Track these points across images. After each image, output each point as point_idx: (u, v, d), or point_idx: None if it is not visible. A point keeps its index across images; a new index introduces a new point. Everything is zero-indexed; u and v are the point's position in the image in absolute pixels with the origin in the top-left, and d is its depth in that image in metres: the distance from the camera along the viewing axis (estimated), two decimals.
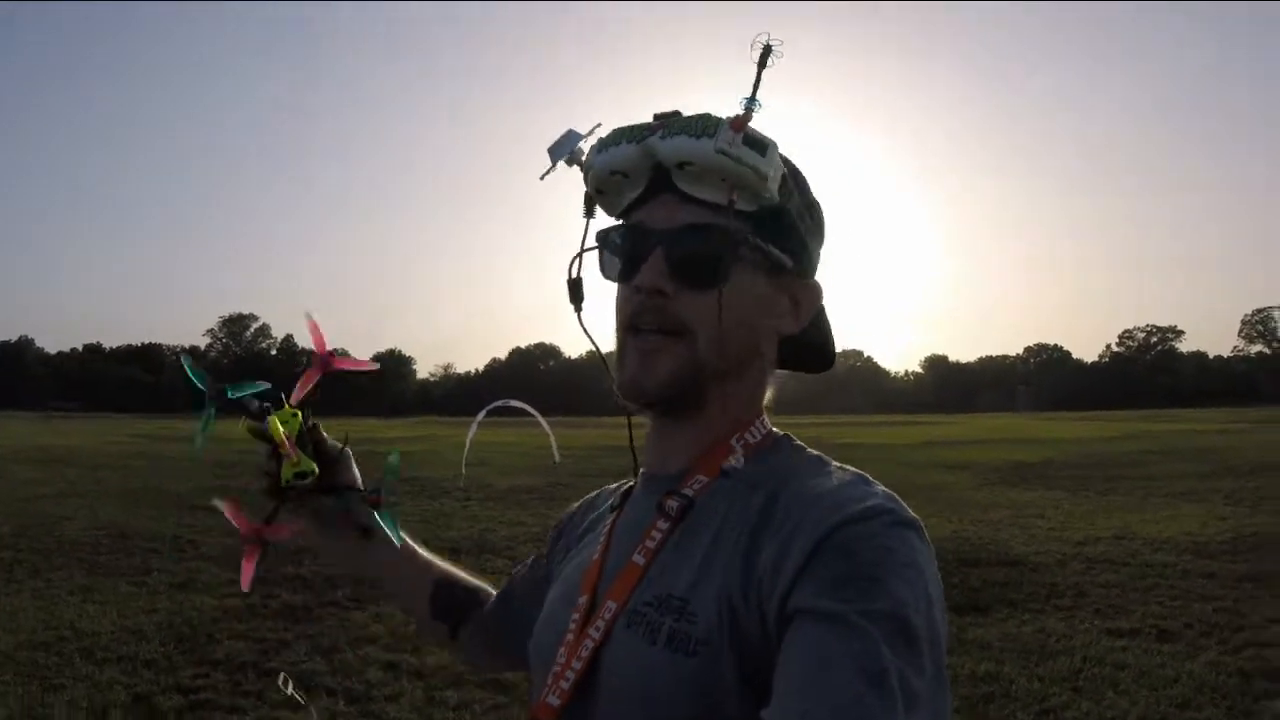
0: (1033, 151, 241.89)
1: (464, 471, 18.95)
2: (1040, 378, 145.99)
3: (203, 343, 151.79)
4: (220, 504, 1.24)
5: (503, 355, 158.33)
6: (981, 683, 5.84)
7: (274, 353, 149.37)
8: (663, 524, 1.00)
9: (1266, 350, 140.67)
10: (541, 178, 1.11)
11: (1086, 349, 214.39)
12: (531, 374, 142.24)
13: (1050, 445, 31.14)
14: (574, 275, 1.10)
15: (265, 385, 1.26)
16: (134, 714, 5.27)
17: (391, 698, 5.58)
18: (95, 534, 11.12)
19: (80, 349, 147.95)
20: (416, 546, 1.40)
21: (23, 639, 6.52)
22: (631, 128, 1.02)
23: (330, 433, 1.33)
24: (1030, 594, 8.21)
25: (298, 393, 1.28)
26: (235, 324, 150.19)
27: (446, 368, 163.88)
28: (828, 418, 66.97)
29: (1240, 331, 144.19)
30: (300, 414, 1.26)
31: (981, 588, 8.36)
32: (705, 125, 0.96)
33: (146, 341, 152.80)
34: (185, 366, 1.29)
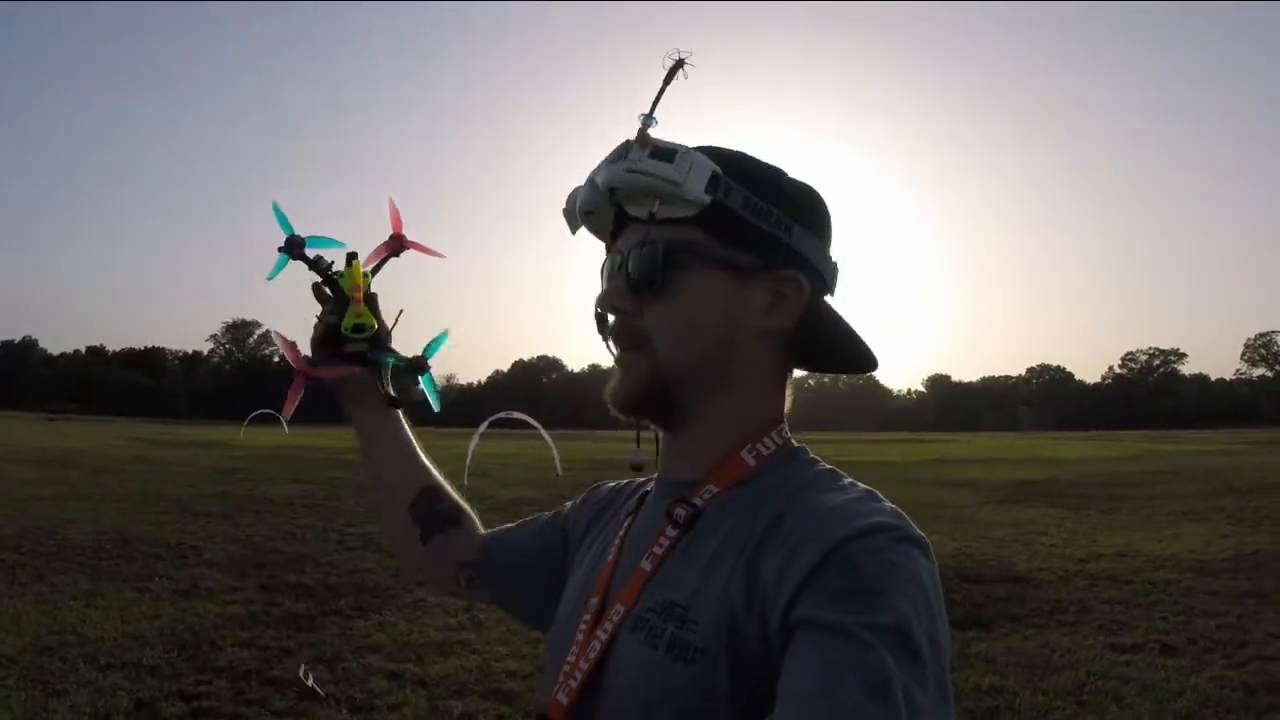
0: (1038, 173, 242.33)
1: (466, 482, 18.95)
2: (1042, 398, 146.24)
3: (205, 348, 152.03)
4: (275, 334, 1.30)
5: (505, 367, 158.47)
6: (986, 696, 5.83)
7: (276, 360, 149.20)
8: (671, 531, 1.02)
9: (1269, 374, 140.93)
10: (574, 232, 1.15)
11: (1089, 370, 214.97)
12: (534, 386, 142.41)
13: (1053, 464, 31.15)
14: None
15: (341, 243, 1.32)
16: None
17: (395, 707, 5.56)
18: (97, 538, 11.10)
19: (83, 351, 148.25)
20: (419, 448, 1.45)
21: (26, 643, 6.50)
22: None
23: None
24: (1034, 609, 8.20)
25: (370, 259, 1.34)
26: (239, 330, 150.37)
27: (449, 379, 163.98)
28: (832, 435, 67.01)
29: (1243, 355, 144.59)
30: (368, 276, 1.32)
31: (985, 603, 8.36)
32: (622, 149, 1.00)
33: (149, 345, 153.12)
34: (275, 209, 1.34)
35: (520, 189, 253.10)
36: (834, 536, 0.85)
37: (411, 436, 1.44)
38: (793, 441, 1.08)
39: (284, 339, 1.30)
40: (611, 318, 1.08)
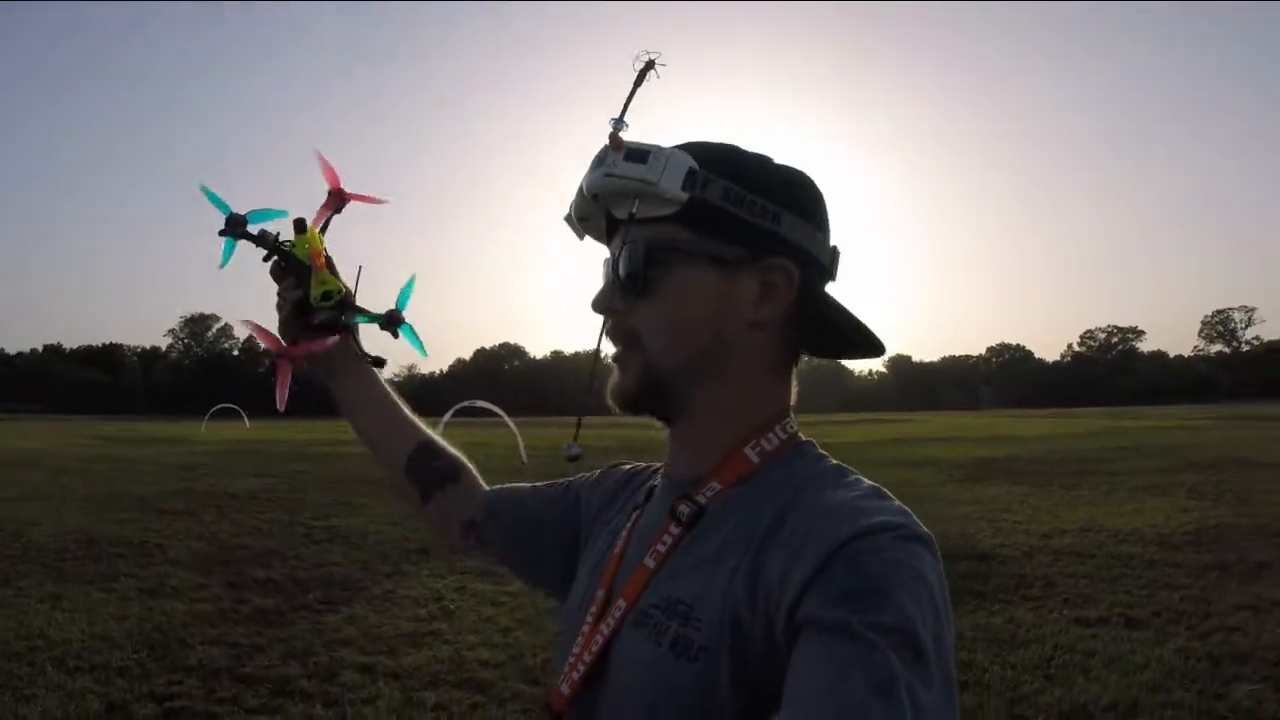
0: (996, 152, 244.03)
1: None
2: (1003, 377, 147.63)
3: (164, 343, 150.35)
4: (245, 325, 1.26)
5: (467, 356, 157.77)
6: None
7: (236, 353, 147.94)
8: (674, 529, 1.02)
9: (1226, 349, 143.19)
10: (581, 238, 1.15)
11: (1048, 349, 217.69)
12: (496, 374, 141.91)
13: (1014, 442, 31.43)
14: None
15: (283, 212, 1.28)
16: None
17: (368, 700, 5.54)
18: (62, 539, 10.94)
19: (40, 349, 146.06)
20: (404, 405, 1.45)
21: None
22: None
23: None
24: (999, 585, 8.29)
25: (316, 222, 1.31)
26: (197, 324, 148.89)
27: (410, 368, 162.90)
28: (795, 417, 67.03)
29: (1200, 332, 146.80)
30: (320, 238, 1.28)
31: (950, 580, 8.36)
32: (602, 155, 1.01)
33: (107, 342, 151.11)
34: (204, 190, 1.30)
35: (483, 177, 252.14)
36: (839, 535, 0.85)
37: (395, 394, 1.45)
38: (799, 435, 1.08)
39: (255, 325, 1.26)
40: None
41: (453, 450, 1.45)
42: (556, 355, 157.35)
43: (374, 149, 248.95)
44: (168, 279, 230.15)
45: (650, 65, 0.99)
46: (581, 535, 1.28)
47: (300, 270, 1.28)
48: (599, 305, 1.07)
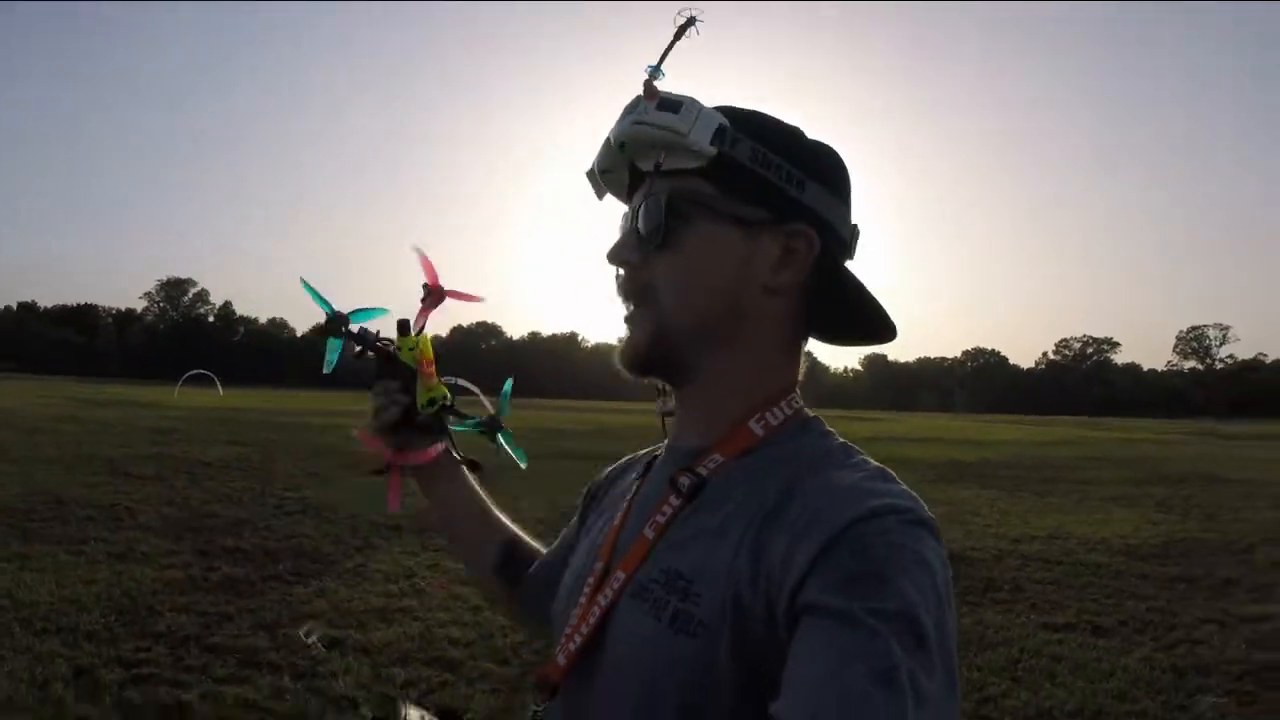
0: (977, 157, 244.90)
1: None
2: (977, 381, 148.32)
3: (139, 306, 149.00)
4: (355, 434, 1.29)
5: (444, 332, 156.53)
6: None
7: (211, 319, 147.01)
8: (674, 500, 1.01)
9: (1199, 366, 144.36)
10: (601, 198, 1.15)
11: (1023, 355, 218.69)
12: (473, 353, 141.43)
13: (987, 446, 31.62)
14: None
15: (383, 310, 1.29)
16: (76, 687, 5.14)
17: (337, 674, 5.52)
18: (30, 500, 10.86)
19: (14, 307, 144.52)
20: (490, 502, 1.45)
21: None
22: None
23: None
24: (968, 587, 8.33)
25: (418, 323, 1.30)
26: (174, 288, 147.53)
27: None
28: None
29: (1175, 347, 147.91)
30: (428, 341, 1.29)
31: None
32: (633, 104, 1.00)
33: (82, 302, 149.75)
34: (305, 286, 1.30)
35: (466, 150, 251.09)
36: (844, 518, 0.84)
37: (479, 489, 1.44)
38: (806, 412, 1.07)
39: (365, 435, 1.28)
40: (621, 273, 1.08)
41: (529, 539, 1.46)
42: (534, 336, 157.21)
43: (358, 119, 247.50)
44: (146, 241, 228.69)
45: (691, 21, 0.99)
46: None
47: (404, 373, 1.28)
48: (614, 256, 1.06)
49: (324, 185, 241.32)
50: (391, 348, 1.28)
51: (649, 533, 1.01)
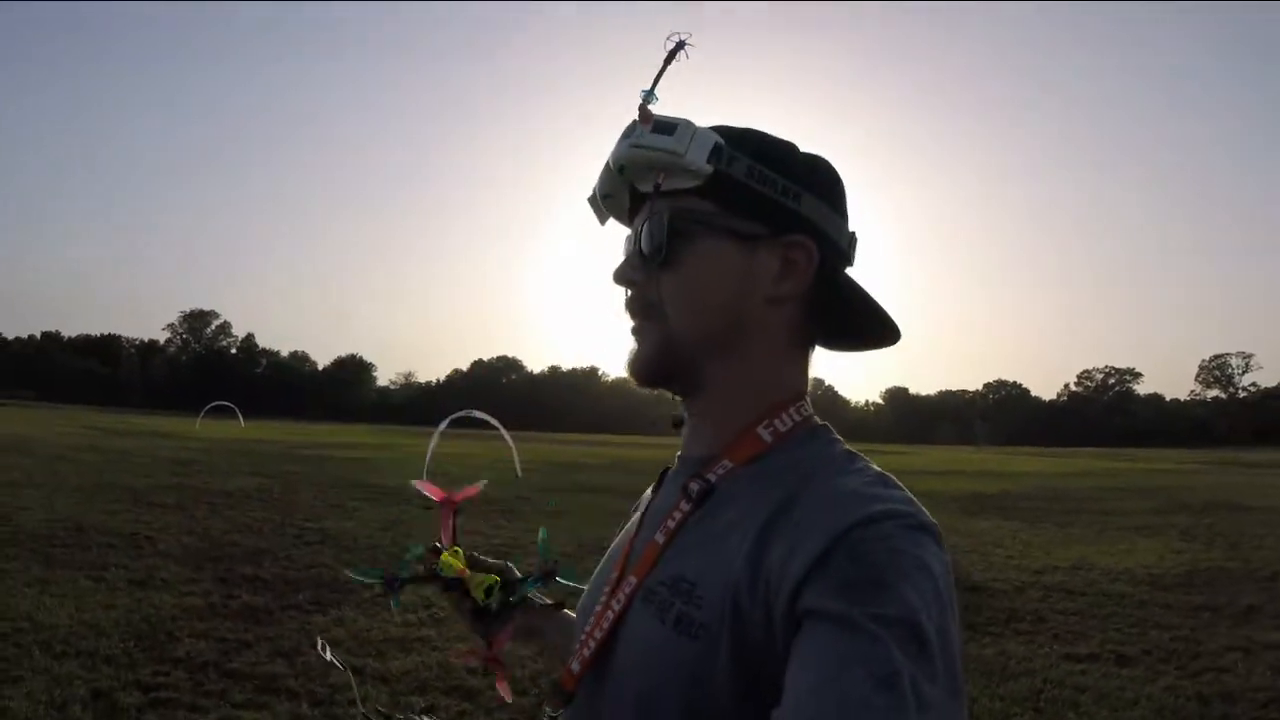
0: (1000, 189, 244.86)
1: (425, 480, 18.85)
2: (998, 413, 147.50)
3: (162, 337, 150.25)
4: (461, 651, 1.44)
5: (464, 366, 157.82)
6: None
7: (234, 351, 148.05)
8: (684, 506, 1.02)
9: (1222, 395, 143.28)
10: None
11: (1045, 387, 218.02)
12: (493, 386, 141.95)
13: (1008, 478, 31.46)
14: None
15: (417, 549, 1.43)
16: (94, 709, 5.17)
17: (355, 702, 5.52)
18: (52, 526, 10.95)
19: (38, 336, 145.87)
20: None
21: None
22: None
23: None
24: (990, 618, 8.28)
25: (446, 537, 1.43)
26: (196, 320, 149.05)
27: (407, 376, 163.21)
28: None
29: (1198, 376, 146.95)
30: (458, 549, 1.42)
31: None
32: (629, 129, 1.02)
33: (106, 332, 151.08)
34: (355, 578, 1.46)
35: (487, 186, 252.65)
36: (841, 523, 0.84)
37: (562, 612, 1.47)
38: (815, 419, 1.08)
39: (465, 652, 1.40)
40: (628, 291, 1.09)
41: None
42: (554, 371, 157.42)
43: (379, 155, 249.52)
44: (169, 272, 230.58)
45: (681, 45, 1.00)
46: None
47: (455, 584, 1.40)
48: (620, 277, 1.08)
49: (347, 219, 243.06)
50: (435, 569, 1.41)
51: (659, 538, 1.02)
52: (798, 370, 1.09)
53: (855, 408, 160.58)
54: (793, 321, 1.06)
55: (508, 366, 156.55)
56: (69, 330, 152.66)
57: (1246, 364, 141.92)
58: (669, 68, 1.01)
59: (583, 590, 1.31)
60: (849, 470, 0.97)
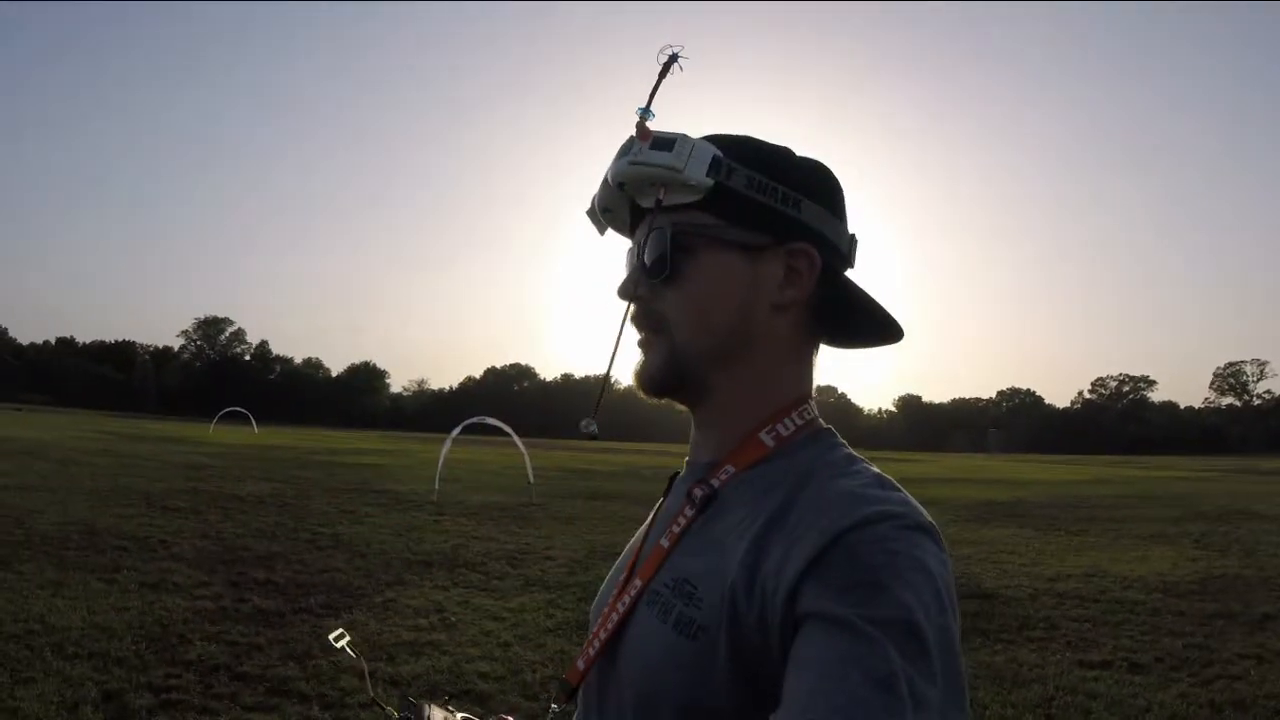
0: (1013, 197, 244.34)
1: (437, 486, 18.91)
2: (1012, 421, 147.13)
3: (177, 343, 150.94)
4: None
5: (477, 374, 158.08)
6: None
7: (248, 358, 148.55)
8: (689, 510, 1.03)
9: (1237, 403, 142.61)
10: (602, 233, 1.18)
11: (1059, 395, 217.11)
12: (506, 393, 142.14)
13: (1021, 486, 31.37)
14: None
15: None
16: (105, 711, 5.19)
17: (366, 705, 5.53)
18: (65, 529, 11.01)
19: (53, 342, 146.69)
20: None
21: None
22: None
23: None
24: (1002, 625, 8.25)
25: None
26: (210, 327, 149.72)
27: (420, 383, 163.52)
28: None
29: (1212, 384, 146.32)
30: None
31: None
32: (627, 145, 1.03)
33: (120, 339, 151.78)
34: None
35: (502, 194, 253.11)
36: (838, 525, 0.84)
37: None
38: (819, 422, 1.08)
39: None
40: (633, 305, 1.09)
41: None
42: (567, 378, 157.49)
43: (394, 162, 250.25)
44: (184, 279, 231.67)
45: (674, 59, 1.01)
46: None
47: None
48: (624, 292, 1.08)
49: (361, 226, 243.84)
50: None
51: (664, 542, 1.03)
52: (801, 373, 1.10)
53: (868, 416, 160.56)
54: (796, 326, 1.07)
55: (520, 374, 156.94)
56: (84, 336, 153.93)
57: (1261, 371, 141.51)
58: (664, 79, 1.01)
59: None
60: (847, 473, 0.97)
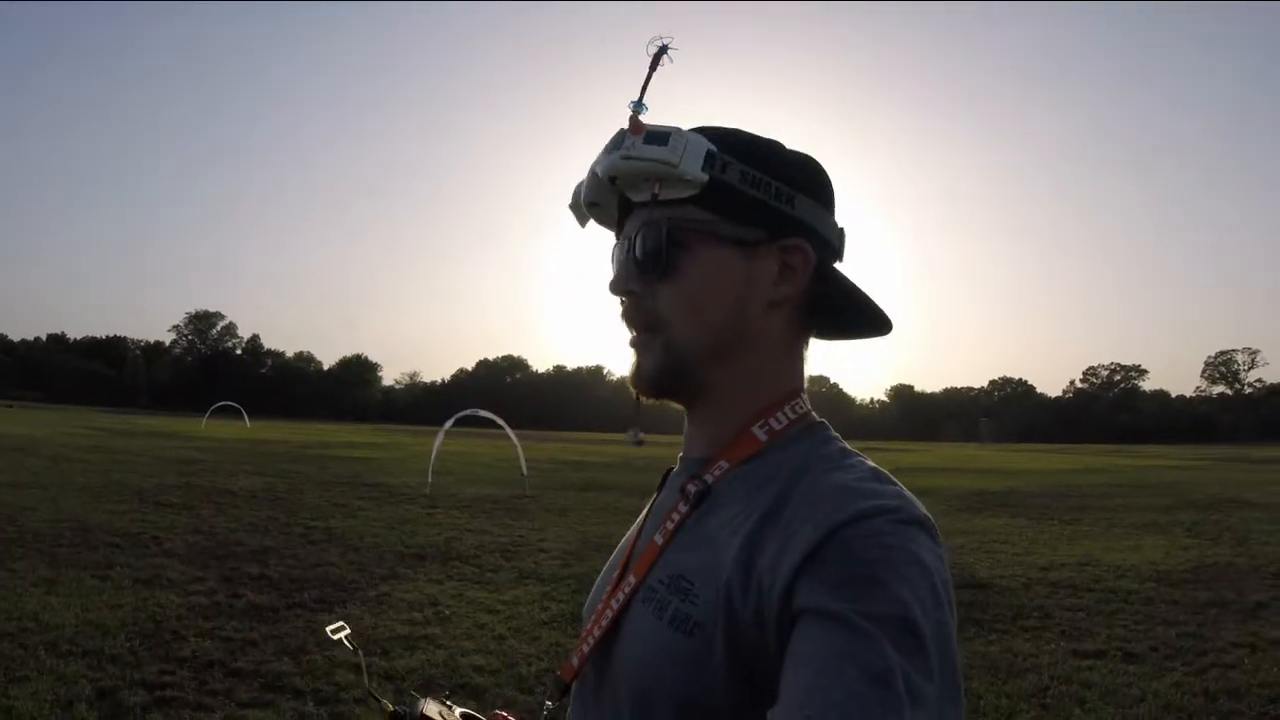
0: (1004, 186, 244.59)
1: (430, 479, 18.91)
2: (1003, 410, 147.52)
3: (168, 338, 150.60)
4: None
5: (470, 366, 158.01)
6: None
7: (239, 352, 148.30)
8: (682, 506, 1.03)
9: (1228, 391, 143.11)
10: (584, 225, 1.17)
11: (1050, 384, 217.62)
12: (498, 386, 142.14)
13: (1013, 475, 31.49)
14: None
15: None
16: (99, 708, 5.18)
17: (361, 700, 5.53)
18: (57, 526, 10.98)
19: (43, 339, 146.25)
20: None
21: None
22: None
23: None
24: (996, 615, 8.28)
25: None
26: (201, 321, 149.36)
27: (412, 376, 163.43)
28: None
29: (1203, 372, 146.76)
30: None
31: None
32: (618, 138, 1.01)
33: (111, 334, 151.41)
34: None
35: (492, 186, 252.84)
36: (831, 521, 0.84)
37: None
38: (812, 416, 1.07)
39: None
40: (624, 301, 1.09)
41: None
42: (559, 370, 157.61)
43: (385, 155, 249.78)
44: (175, 274, 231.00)
45: (664, 50, 1.00)
46: None
47: None
48: (617, 287, 1.07)
49: (352, 219, 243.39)
50: None
51: (658, 538, 1.03)
52: (794, 367, 1.09)
53: (861, 405, 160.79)
54: (789, 320, 1.07)
55: (513, 366, 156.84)
56: (74, 332, 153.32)
57: (1252, 360, 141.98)
58: (655, 72, 1.00)
59: None
60: (841, 466, 0.96)
